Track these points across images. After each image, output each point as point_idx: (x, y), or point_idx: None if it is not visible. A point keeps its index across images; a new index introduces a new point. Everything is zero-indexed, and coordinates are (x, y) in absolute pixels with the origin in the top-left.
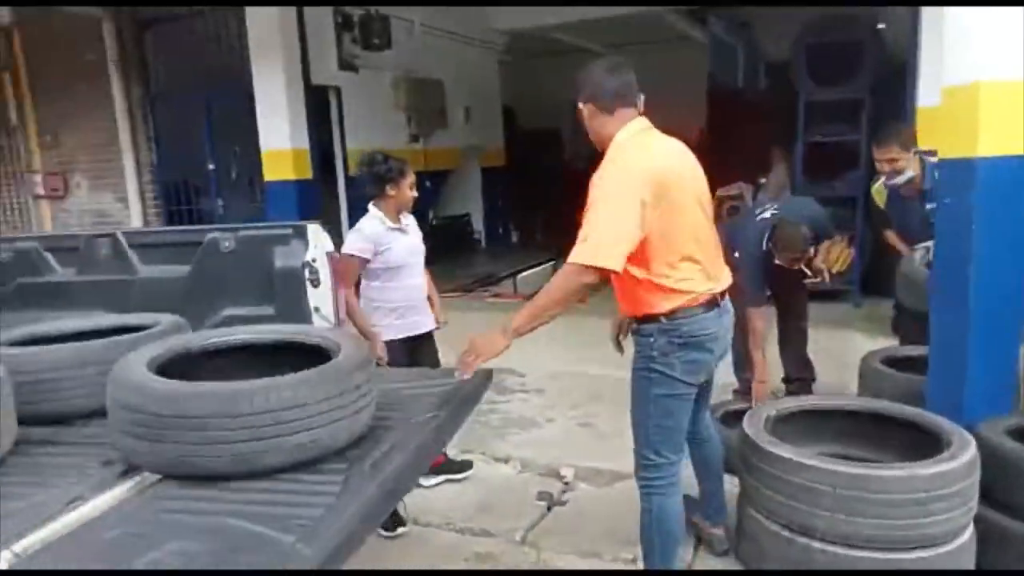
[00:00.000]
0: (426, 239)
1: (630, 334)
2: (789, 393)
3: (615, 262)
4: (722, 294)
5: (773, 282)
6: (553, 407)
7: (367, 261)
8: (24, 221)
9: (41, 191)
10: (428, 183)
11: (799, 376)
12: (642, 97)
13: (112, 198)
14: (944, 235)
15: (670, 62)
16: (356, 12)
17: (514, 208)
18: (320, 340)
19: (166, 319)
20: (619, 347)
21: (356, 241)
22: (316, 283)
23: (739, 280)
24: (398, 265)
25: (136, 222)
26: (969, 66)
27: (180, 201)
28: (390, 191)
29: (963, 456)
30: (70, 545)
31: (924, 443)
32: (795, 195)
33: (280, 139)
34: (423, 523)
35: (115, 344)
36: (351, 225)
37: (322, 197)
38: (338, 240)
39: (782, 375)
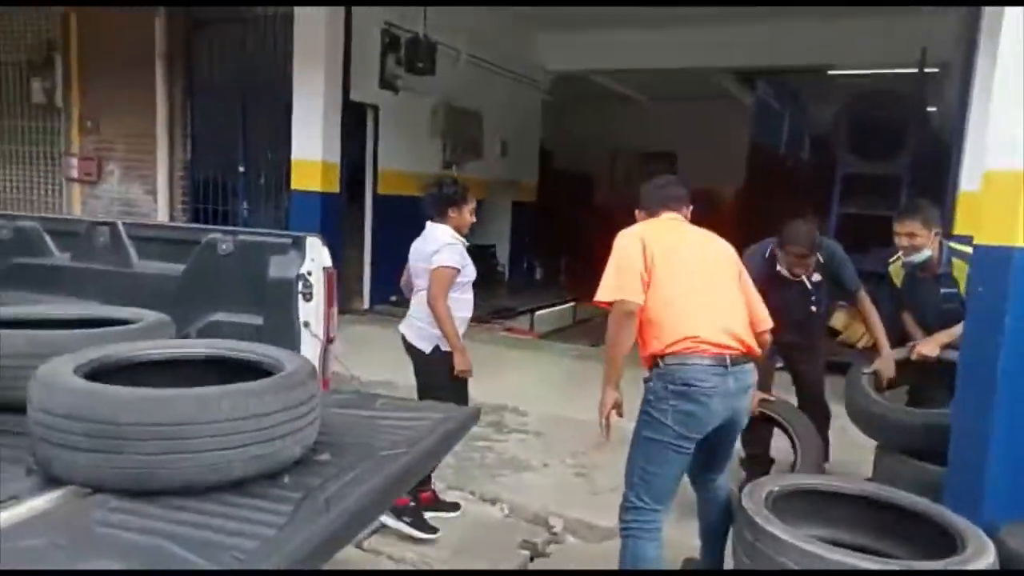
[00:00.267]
0: None
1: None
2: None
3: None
4: (736, 359)
5: (784, 348)
6: (551, 452)
7: (458, 273)
8: (55, 202)
9: (75, 174)
10: None
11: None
12: (689, 208)
13: (141, 189)
14: (974, 324)
15: (711, 118)
16: (404, 34)
17: (540, 245)
18: (255, 356)
19: (150, 316)
20: (609, 429)
21: (454, 254)
22: (309, 297)
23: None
24: (468, 280)
25: (163, 215)
26: (1012, 152)
27: (207, 200)
28: (452, 213)
29: (979, 561)
30: None
31: (936, 540)
32: None
33: (312, 150)
34: (396, 558)
35: (81, 337)
36: (375, 242)
37: (346, 212)
38: (359, 255)
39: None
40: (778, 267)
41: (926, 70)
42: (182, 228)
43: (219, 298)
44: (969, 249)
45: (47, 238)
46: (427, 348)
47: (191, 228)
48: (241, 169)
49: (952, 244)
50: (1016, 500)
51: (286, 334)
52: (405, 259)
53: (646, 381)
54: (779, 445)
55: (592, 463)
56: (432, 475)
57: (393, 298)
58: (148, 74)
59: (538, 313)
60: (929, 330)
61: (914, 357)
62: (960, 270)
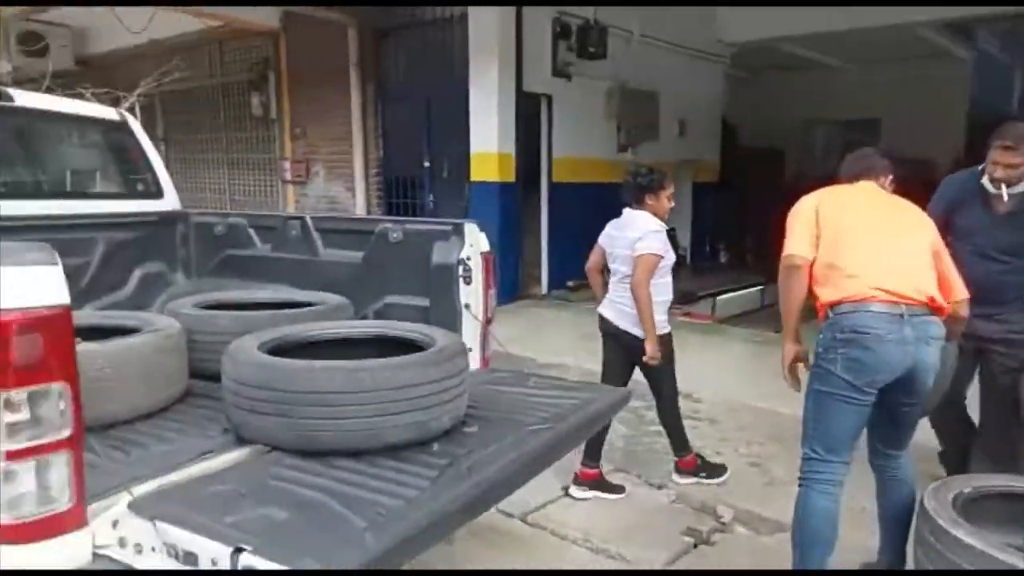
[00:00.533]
0: None
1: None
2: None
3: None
4: (915, 310)
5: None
6: (725, 440)
7: (661, 259)
8: (275, 202)
9: (288, 176)
10: None
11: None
12: (888, 178)
13: (342, 187)
14: None
15: (919, 80)
16: (574, 21)
17: (725, 226)
18: (413, 335)
19: (332, 299)
20: (795, 380)
21: (658, 241)
22: (468, 280)
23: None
24: (668, 265)
25: (360, 210)
26: None
27: (398, 194)
28: (649, 200)
29: None
30: (178, 494)
31: None
32: None
33: (488, 142)
34: (559, 535)
35: (273, 317)
36: (551, 229)
37: (522, 200)
38: (536, 242)
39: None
40: (982, 180)
41: None
42: (359, 219)
43: (392, 282)
44: None
45: (252, 232)
46: (642, 334)
47: (367, 219)
48: (426, 164)
49: None
50: None
51: (449, 315)
52: (581, 246)
53: (819, 334)
54: None
55: (768, 453)
56: (600, 456)
57: (570, 283)
58: (343, 82)
59: (720, 298)
60: None
61: None
62: None
